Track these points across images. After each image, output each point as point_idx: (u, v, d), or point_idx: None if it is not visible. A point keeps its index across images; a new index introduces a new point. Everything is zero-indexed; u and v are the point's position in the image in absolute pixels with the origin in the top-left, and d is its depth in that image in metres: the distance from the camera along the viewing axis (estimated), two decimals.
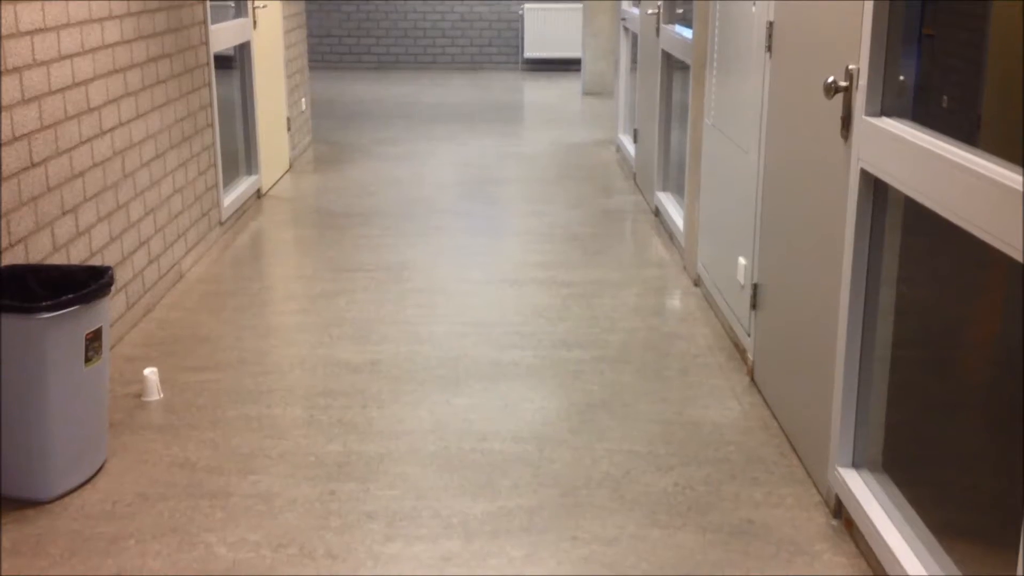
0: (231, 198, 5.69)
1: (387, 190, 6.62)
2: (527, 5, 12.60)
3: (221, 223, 5.48)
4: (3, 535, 2.72)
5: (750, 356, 3.72)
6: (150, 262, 4.36)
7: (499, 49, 12.96)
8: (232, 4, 6.01)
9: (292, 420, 3.40)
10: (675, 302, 4.58)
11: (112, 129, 3.95)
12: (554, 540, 2.71)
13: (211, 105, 5.31)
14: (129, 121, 4.13)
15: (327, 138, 8.43)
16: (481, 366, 3.85)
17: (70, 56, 3.57)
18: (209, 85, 5.26)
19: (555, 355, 3.94)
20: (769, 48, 3.50)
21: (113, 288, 2.96)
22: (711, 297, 4.42)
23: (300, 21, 7.73)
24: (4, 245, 3.08)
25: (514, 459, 3.14)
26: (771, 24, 3.47)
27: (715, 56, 4.40)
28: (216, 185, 5.39)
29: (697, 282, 4.73)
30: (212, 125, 5.33)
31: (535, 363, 3.87)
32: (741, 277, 3.82)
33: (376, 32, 12.87)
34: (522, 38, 12.76)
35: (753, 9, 3.74)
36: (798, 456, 3.13)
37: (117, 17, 4.00)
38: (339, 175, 7.08)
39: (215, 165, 5.38)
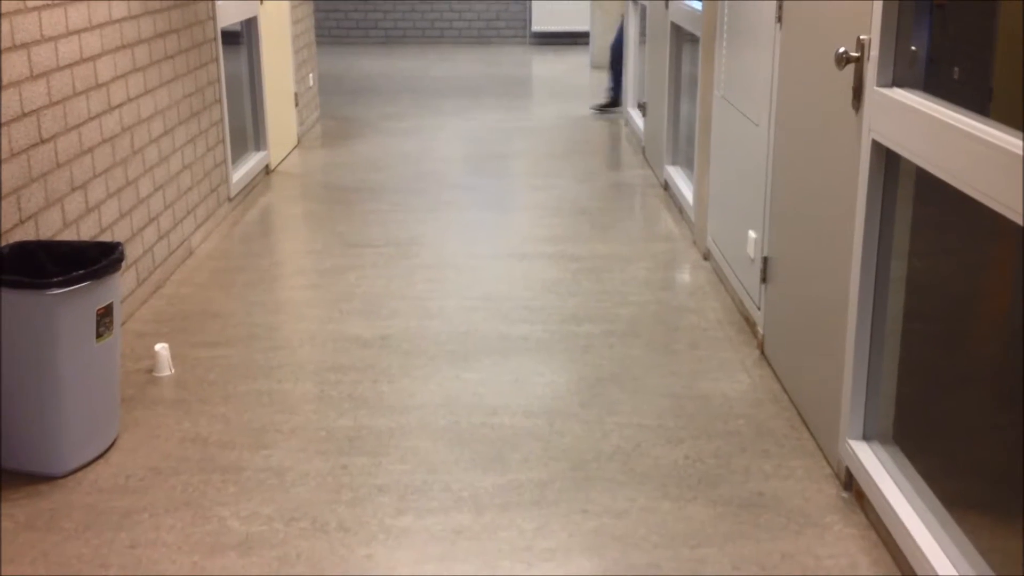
0: (240, 174, 5.69)
1: (395, 165, 6.61)
2: None
3: (230, 199, 5.48)
4: (18, 509, 2.74)
5: (760, 329, 3.72)
6: (160, 238, 4.36)
7: (507, 23, 12.89)
8: None
9: (303, 395, 3.41)
10: (684, 276, 4.57)
11: (120, 105, 3.94)
12: (564, 513, 2.72)
13: (219, 81, 5.30)
14: (137, 97, 4.12)
15: (335, 113, 8.41)
16: (491, 341, 3.85)
17: (77, 32, 3.56)
18: (217, 60, 5.25)
19: (565, 329, 3.94)
20: (779, 19, 3.47)
21: (123, 264, 2.96)
22: (721, 271, 4.41)
23: None
24: (15, 221, 3.09)
25: (524, 433, 3.15)
26: None
27: (725, 28, 4.37)
28: (225, 161, 5.39)
29: (707, 256, 4.72)
30: (220, 101, 5.32)
31: (545, 337, 3.87)
32: (751, 250, 3.81)
33: (383, 6, 12.81)
34: (530, 12, 12.68)
35: None
36: (808, 429, 3.13)
37: None
38: (347, 150, 7.06)
39: (223, 141, 5.37)
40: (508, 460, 2.99)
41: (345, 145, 7.24)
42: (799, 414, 3.23)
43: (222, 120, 5.35)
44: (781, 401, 3.34)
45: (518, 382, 3.51)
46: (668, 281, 4.49)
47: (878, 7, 2.53)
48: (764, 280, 3.66)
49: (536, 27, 12.63)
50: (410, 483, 2.88)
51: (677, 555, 2.55)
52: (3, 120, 3.04)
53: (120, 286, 2.99)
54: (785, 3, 3.40)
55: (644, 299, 4.25)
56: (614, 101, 8.31)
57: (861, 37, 2.63)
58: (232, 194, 5.51)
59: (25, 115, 3.17)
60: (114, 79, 3.88)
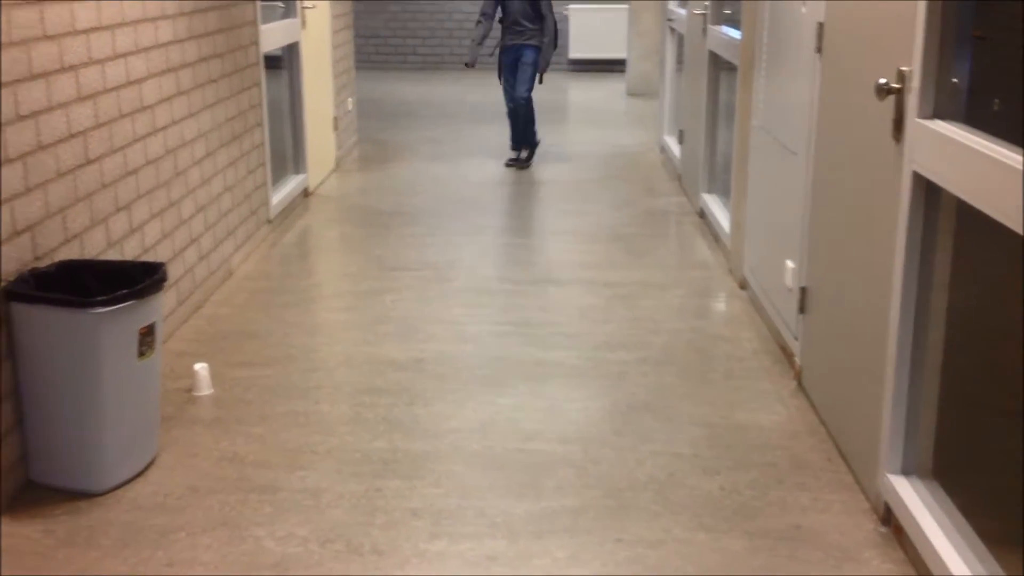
0: (279, 196, 5.75)
1: (432, 189, 6.65)
2: (572, 6, 12.59)
3: (269, 221, 5.54)
4: (58, 525, 2.77)
5: (797, 360, 3.70)
6: (200, 259, 4.42)
7: None
8: (282, 4, 6.07)
9: (339, 417, 3.43)
10: (720, 305, 4.56)
11: (165, 127, 4.01)
12: (598, 541, 2.71)
13: (260, 104, 5.37)
14: (181, 119, 4.19)
15: (373, 137, 8.49)
16: (525, 366, 3.86)
17: (124, 55, 3.62)
18: (259, 84, 5.32)
19: (599, 356, 3.94)
20: (819, 49, 3.47)
21: (165, 284, 3.00)
22: (757, 300, 4.39)
23: (348, 22, 7.79)
24: (61, 240, 3.14)
25: (558, 460, 3.15)
26: (821, 25, 3.45)
27: (763, 57, 4.37)
28: (265, 183, 5.45)
29: (743, 285, 4.71)
30: (261, 124, 5.39)
31: (579, 364, 3.87)
32: (789, 280, 3.79)
33: (421, 32, 12.93)
34: (567, 38, 12.75)
35: (803, 10, 3.71)
36: (846, 462, 3.11)
37: (170, 17, 4.06)
38: (384, 174, 7.12)
39: (264, 164, 5.43)
40: (542, 487, 2.99)
41: (382, 169, 7.29)
42: (837, 447, 3.20)
43: (263, 143, 5.42)
44: (818, 433, 3.31)
45: (552, 408, 3.51)
46: (703, 309, 4.48)
47: (919, 39, 2.53)
48: (802, 310, 3.64)
49: (573, 54, 12.69)
50: (444, 507, 2.88)
51: None
52: (51, 141, 3.10)
53: (162, 306, 3.03)
54: (825, 33, 3.40)
55: (679, 327, 4.24)
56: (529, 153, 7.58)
57: (902, 68, 2.63)
58: (271, 216, 5.56)
59: (72, 136, 3.23)
60: (159, 102, 3.95)
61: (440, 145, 8.14)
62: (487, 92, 11.02)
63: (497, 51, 7.44)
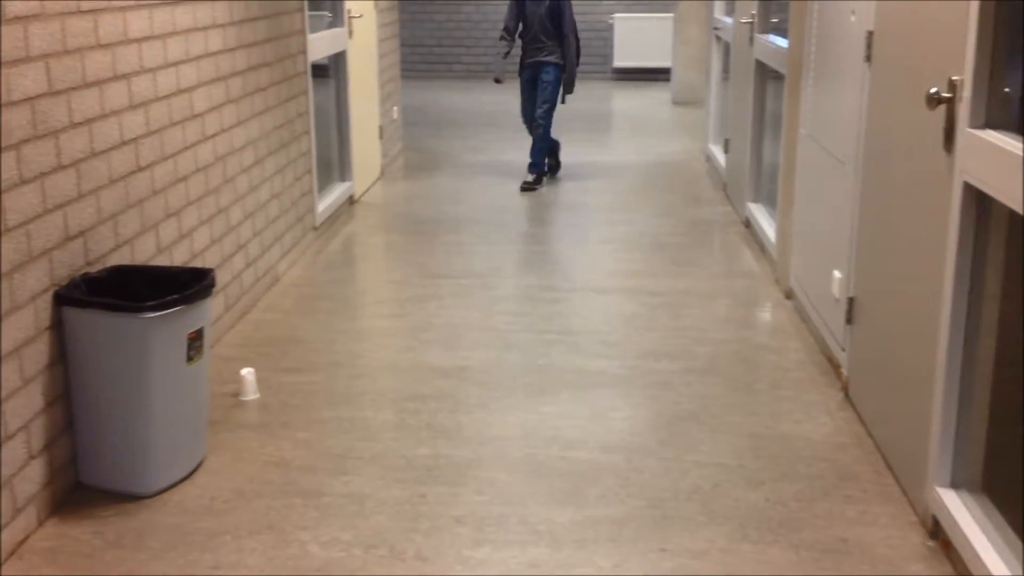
0: (325, 204, 5.80)
1: (475, 197, 6.67)
2: (617, 14, 12.58)
3: (315, 228, 5.59)
4: (107, 527, 2.81)
5: (844, 371, 3.66)
6: (248, 265, 4.47)
7: (588, 58, 12.95)
8: (329, 14, 6.13)
9: (383, 423, 3.45)
10: (766, 314, 4.52)
11: (214, 135, 4.06)
12: (642, 551, 2.70)
13: (308, 113, 5.42)
14: (230, 128, 4.24)
15: (417, 145, 8.53)
16: (568, 374, 3.85)
17: (176, 63, 3.68)
18: (306, 93, 5.38)
19: (643, 365, 3.93)
20: (868, 58, 3.44)
21: (214, 290, 3.04)
22: (804, 310, 4.36)
23: (394, 31, 7.85)
24: (112, 246, 3.19)
25: (602, 468, 3.14)
26: (870, 34, 3.42)
27: (811, 66, 4.34)
28: (311, 191, 5.50)
29: (789, 295, 4.67)
30: (308, 132, 5.44)
31: (622, 372, 3.86)
32: (836, 290, 3.76)
33: (466, 42, 12.98)
34: (611, 47, 12.74)
35: (852, 19, 3.68)
36: (894, 474, 3.07)
37: (220, 26, 4.11)
38: (429, 182, 7.15)
39: (311, 171, 5.49)
40: (585, 495, 2.99)
41: (427, 177, 7.33)
42: (884, 459, 3.16)
43: (310, 151, 5.47)
44: (865, 445, 3.27)
45: (595, 417, 3.50)
46: (749, 319, 4.45)
47: (971, 48, 2.50)
48: (849, 321, 3.60)
49: (618, 63, 12.67)
50: (487, 515, 2.88)
51: None
52: (104, 148, 3.15)
53: (210, 311, 3.07)
54: (874, 42, 3.37)
55: (724, 337, 4.21)
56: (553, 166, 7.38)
57: (953, 78, 2.60)
58: (317, 223, 5.61)
59: (124, 143, 3.29)
60: (209, 110, 4.00)
61: (484, 153, 8.17)
62: None
63: (518, 67, 7.20)
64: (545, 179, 7.14)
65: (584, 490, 3.01)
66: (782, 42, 4.99)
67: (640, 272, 5.09)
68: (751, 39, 5.72)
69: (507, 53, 7.15)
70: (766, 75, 5.56)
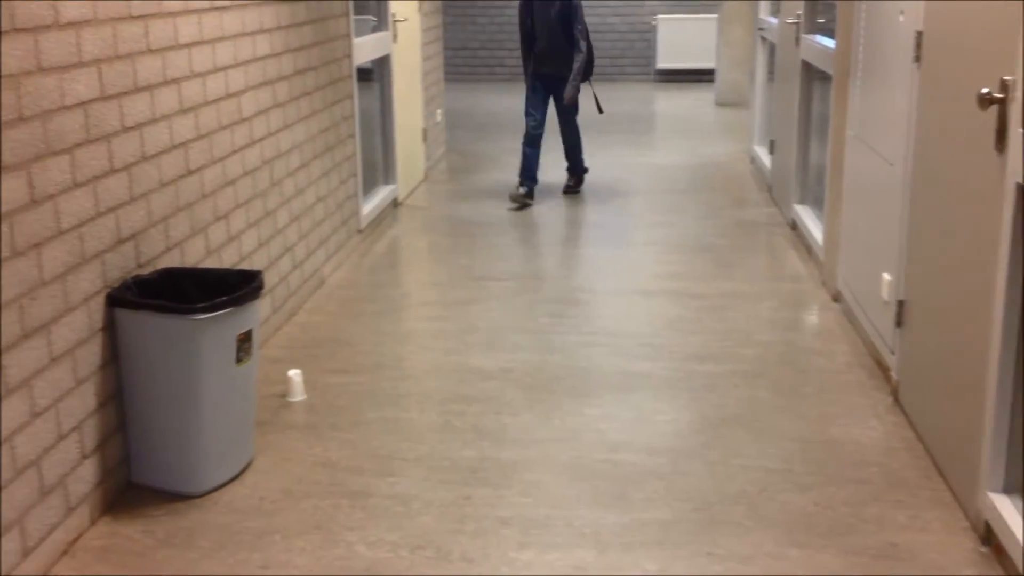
0: (369, 207, 5.83)
1: None
2: (660, 16, 12.54)
3: (360, 231, 5.63)
4: (157, 526, 2.85)
5: (894, 375, 3.61)
6: (294, 267, 4.51)
7: (631, 60, 12.93)
8: (374, 19, 6.17)
9: (428, 424, 3.46)
10: (812, 317, 4.48)
11: (262, 139, 4.10)
12: (689, 555, 2.69)
13: (353, 116, 5.46)
14: (277, 131, 4.28)
15: (461, 148, 8.56)
16: (612, 377, 3.84)
17: (224, 68, 3.72)
18: (351, 97, 5.42)
19: (687, 367, 3.91)
20: (917, 58, 3.40)
21: (262, 292, 3.07)
22: (851, 313, 4.31)
23: (438, 34, 7.88)
24: (162, 248, 3.24)
25: (647, 471, 3.13)
26: (920, 34, 3.38)
27: (859, 66, 4.30)
28: (356, 194, 5.54)
29: (836, 297, 4.62)
30: (353, 136, 5.48)
31: (667, 375, 3.85)
32: (885, 293, 3.71)
33: (509, 44, 13.00)
34: (655, 48, 12.70)
35: (901, 19, 3.64)
36: (945, 479, 3.03)
37: (268, 31, 4.16)
38: (472, 185, 7.17)
39: (356, 174, 5.52)
40: (631, 498, 2.98)
41: (470, 180, 7.35)
42: (935, 464, 3.12)
43: (355, 154, 5.51)
44: (916, 450, 3.23)
45: (640, 419, 3.49)
46: (795, 322, 4.41)
47: (1022, 47, 2.46)
48: (899, 324, 3.56)
49: (661, 64, 12.62)
50: (533, 517, 2.88)
51: None
52: (154, 152, 3.19)
53: (259, 313, 3.10)
54: (924, 42, 3.33)
55: (770, 339, 4.18)
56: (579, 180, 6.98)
57: (1005, 78, 2.56)
58: (362, 226, 5.65)
59: (174, 147, 3.33)
60: (256, 114, 4.04)
61: None
62: None
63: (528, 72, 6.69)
64: (572, 187, 6.86)
65: (629, 493, 3.01)
66: (829, 43, 4.94)
67: (684, 274, 5.06)
68: (797, 40, 5.68)
69: (529, 64, 6.67)
70: (812, 76, 5.51)
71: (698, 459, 3.20)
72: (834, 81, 4.63)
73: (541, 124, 6.62)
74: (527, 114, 6.62)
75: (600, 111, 7.01)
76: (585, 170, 6.95)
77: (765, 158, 6.98)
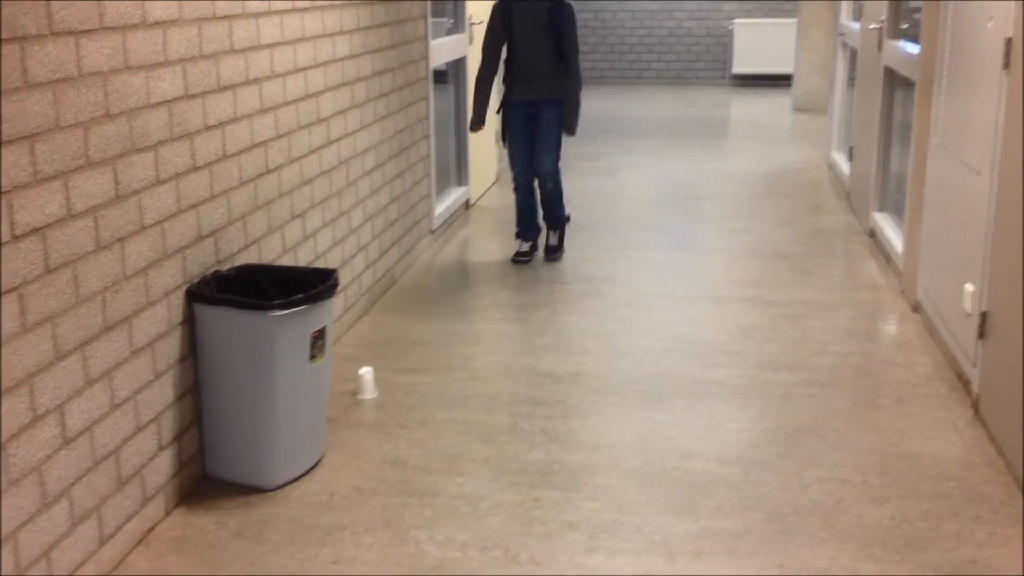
0: (442, 208, 5.86)
1: (589, 203, 6.66)
2: (737, 20, 12.41)
3: (432, 231, 5.65)
4: (231, 518, 2.89)
5: (975, 388, 3.52)
6: (367, 266, 4.55)
7: (706, 64, 12.81)
8: (450, 20, 6.20)
9: (497, 426, 3.46)
10: (891, 327, 4.39)
11: (339, 139, 4.15)
12: (760, 566, 2.64)
13: (428, 118, 5.49)
14: (354, 132, 4.33)
15: None
16: (684, 383, 3.80)
17: (304, 69, 3.77)
18: (427, 98, 5.45)
19: (762, 376, 3.85)
20: (1006, 65, 3.30)
21: (337, 290, 3.11)
22: (931, 324, 4.21)
23: None
24: (241, 245, 3.29)
25: (718, 480, 3.09)
26: (1009, 40, 3.28)
27: (944, 72, 4.19)
28: (429, 195, 5.57)
29: (916, 308, 4.52)
30: (428, 137, 5.51)
31: (740, 383, 3.79)
32: (968, 304, 3.62)
33: (583, 48, 12.97)
34: (731, 53, 12.57)
35: (989, 25, 3.54)
36: None
37: (347, 32, 4.20)
38: None
39: (429, 175, 5.55)
40: (701, 506, 2.94)
41: None
42: (1016, 480, 3.03)
43: (429, 155, 5.54)
44: (996, 465, 3.14)
45: (712, 427, 3.44)
46: (873, 332, 4.32)
47: None
48: (981, 336, 3.46)
49: (737, 69, 12.49)
50: (601, 522, 2.86)
51: None
52: (235, 150, 3.25)
53: (333, 311, 3.13)
54: (1013, 49, 3.24)
55: (847, 349, 4.10)
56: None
57: None
58: (434, 227, 5.68)
59: (255, 146, 3.38)
60: (334, 114, 4.09)
61: (600, 159, 8.14)
62: (649, 107, 10.96)
63: (500, 107, 5.35)
64: (554, 250, 5.43)
65: (700, 501, 2.97)
66: (913, 48, 4.84)
67: (760, 281, 4.99)
68: (880, 45, 5.57)
69: (485, 102, 5.24)
70: (894, 82, 5.40)
71: (771, 469, 3.15)
72: (917, 87, 4.53)
73: (529, 166, 5.32)
74: (511, 159, 5.32)
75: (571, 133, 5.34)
76: (566, 219, 5.52)
77: (843, 165, 6.86)
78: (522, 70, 5.13)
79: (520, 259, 5.33)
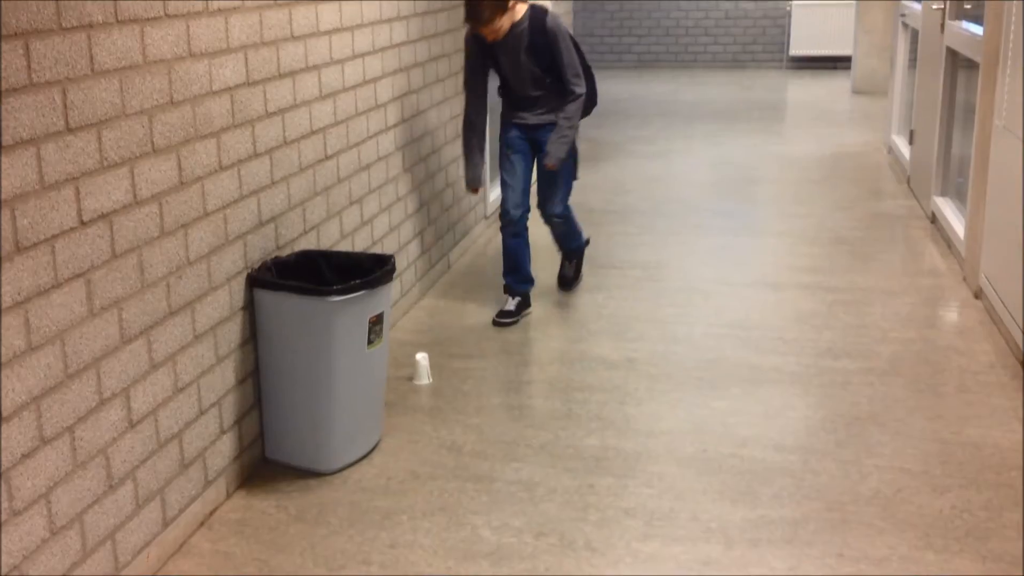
0: (496, 194, 5.86)
1: (643, 187, 6.62)
2: (795, 2, 12.22)
3: (486, 217, 5.66)
4: (290, 502, 2.94)
5: None
6: (422, 252, 4.57)
7: (763, 47, 12.65)
8: None
9: (551, 412, 3.47)
10: (952, 314, 4.31)
11: (395, 125, 4.17)
12: (819, 555, 2.63)
13: None
14: (410, 118, 4.34)
15: (585, 135, 8.52)
16: (740, 369, 3.78)
17: (362, 55, 3.79)
18: None
19: (820, 363, 3.81)
20: None
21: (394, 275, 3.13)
22: (994, 311, 4.13)
23: (567, 21, 7.85)
24: (300, 231, 3.32)
25: (776, 468, 3.07)
26: None
27: (1009, 54, 4.10)
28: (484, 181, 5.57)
29: (978, 294, 4.44)
30: None
31: (798, 370, 3.76)
32: None
33: (638, 31, 12.88)
34: (788, 35, 12.39)
35: None
36: None
37: (404, 18, 4.21)
38: (596, 172, 7.14)
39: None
40: (759, 494, 2.92)
41: (594, 167, 7.31)
42: None
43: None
44: None
45: (769, 415, 3.42)
46: (933, 319, 4.25)
47: None
48: None
49: (794, 51, 12.32)
50: (657, 508, 2.86)
51: None
52: (295, 137, 3.28)
53: (390, 297, 3.15)
54: None
55: (907, 336, 4.04)
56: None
57: None
58: (488, 213, 5.69)
59: (313, 132, 3.41)
60: (391, 100, 4.11)
61: (656, 143, 8.09)
62: (704, 90, 10.86)
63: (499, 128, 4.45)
64: (571, 279, 4.72)
65: (758, 489, 2.95)
66: (976, 29, 4.73)
67: (817, 267, 4.94)
68: (942, 25, 5.46)
69: (479, 149, 4.33)
70: (957, 63, 5.29)
71: (830, 457, 3.12)
72: (981, 69, 4.44)
73: (525, 199, 4.39)
74: (502, 186, 4.39)
75: (575, 177, 4.50)
76: (586, 243, 4.78)
77: (904, 148, 6.74)
78: (515, 97, 4.32)
79: (503, 321, 4.26)
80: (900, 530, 2.72)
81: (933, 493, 2.90)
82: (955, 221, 5.05)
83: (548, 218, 4.50)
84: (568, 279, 4.74)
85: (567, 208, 4.50)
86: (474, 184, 4.35)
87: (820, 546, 2.66)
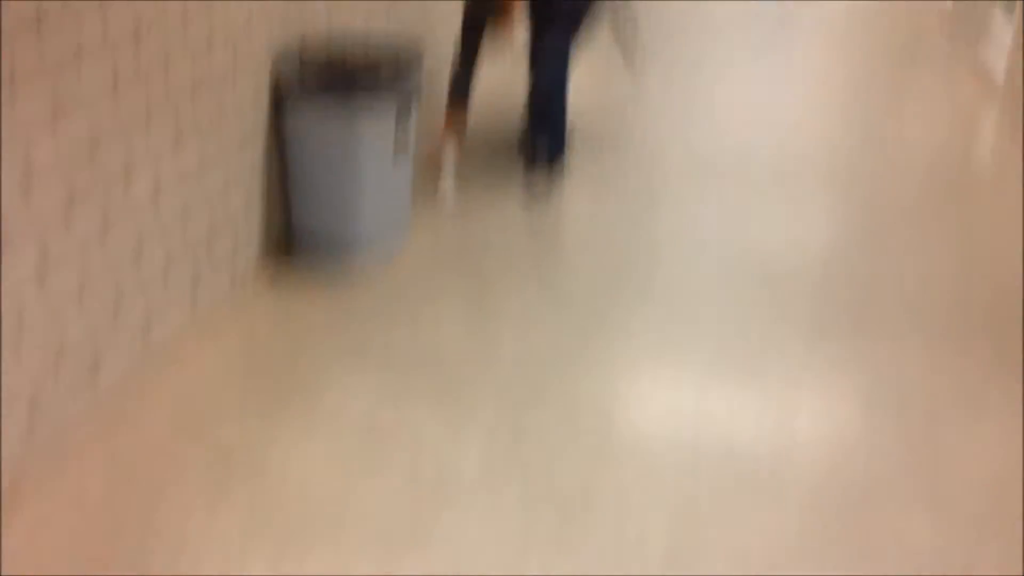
0: None
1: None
2: None
3: None
4: (317, 295, 2.93)
5: None
6: None
7: None
8: None
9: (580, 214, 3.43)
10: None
11: None
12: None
13: None
14: None
15: None
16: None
17: None
18: None
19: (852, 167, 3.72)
20: None
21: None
22: None
23: None
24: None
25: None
26: None
27: None
28: None
29: None
30: None
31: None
32: None
33: None
34: None
35: None
36: None
37: None
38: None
39: None
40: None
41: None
42: None
43: None
44: None
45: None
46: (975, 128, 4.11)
47: None
48: None
49: None
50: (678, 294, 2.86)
51: None
52: None
53: (415, 109, 3.12)
54: None
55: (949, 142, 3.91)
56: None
57: None
58: None
59: None
60: None
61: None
62: None
63: None
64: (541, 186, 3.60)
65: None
66: None
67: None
68: None
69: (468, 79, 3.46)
70: None
71: (852, 262, 3.06)
72: None
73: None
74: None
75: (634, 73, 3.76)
76: (565, 140, 3.67)
77: None
78: None
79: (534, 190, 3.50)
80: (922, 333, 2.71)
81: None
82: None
83: (537, 59, 3.52)
84: (537, 186, 3.58)
85: (565, 56, 3.48)
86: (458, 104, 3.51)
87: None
